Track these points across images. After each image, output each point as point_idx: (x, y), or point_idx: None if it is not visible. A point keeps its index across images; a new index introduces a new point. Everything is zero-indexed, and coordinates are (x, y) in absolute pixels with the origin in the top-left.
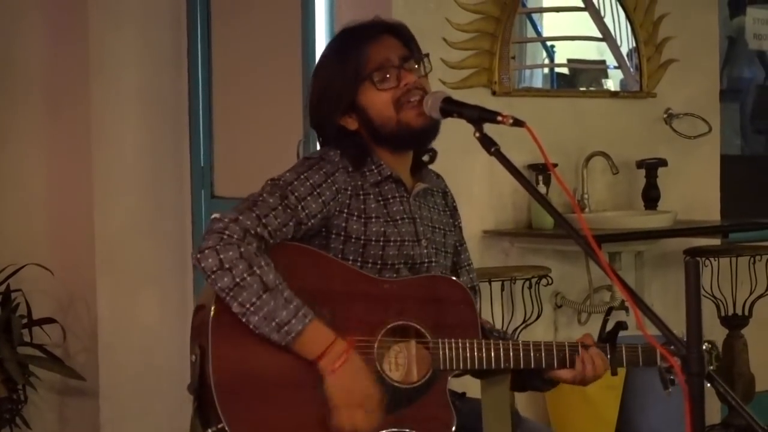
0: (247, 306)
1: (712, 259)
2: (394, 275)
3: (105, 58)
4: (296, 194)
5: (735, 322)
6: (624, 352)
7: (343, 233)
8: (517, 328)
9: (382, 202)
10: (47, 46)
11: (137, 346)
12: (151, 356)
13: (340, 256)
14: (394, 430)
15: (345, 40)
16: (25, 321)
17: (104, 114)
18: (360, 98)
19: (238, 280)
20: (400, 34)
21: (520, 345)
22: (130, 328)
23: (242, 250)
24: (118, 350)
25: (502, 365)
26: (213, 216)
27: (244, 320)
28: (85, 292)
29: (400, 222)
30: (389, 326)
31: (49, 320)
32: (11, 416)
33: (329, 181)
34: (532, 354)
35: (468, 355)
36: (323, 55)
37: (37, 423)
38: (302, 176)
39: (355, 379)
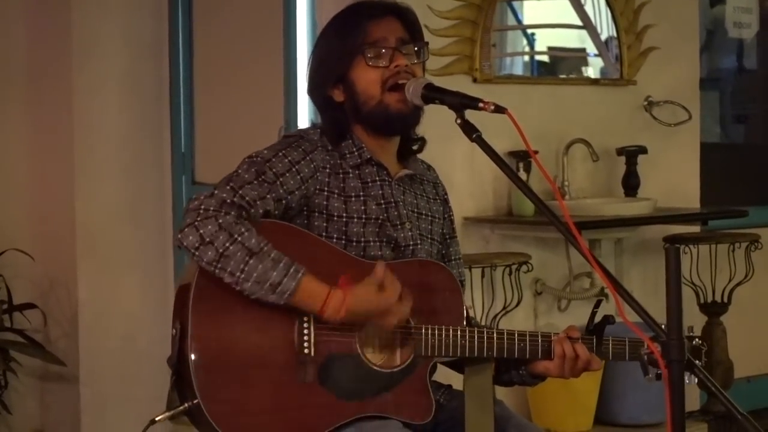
0: (237, 274)
1: (691, 247)
2: (379, 253)
3: (87, 45)
4: (274, 170)
5: (714, 310)
6: (611, 345)
7: (325, 212)
8: (497, 315)
9: (361, 184)
10: (29, 33)
11: (118, 332)
12: (131, 342)
13: (324, 234)
14: (373, 414)
15: (349, 14)
16: (5, 306)
17: (86, 100)
18: (351, 72)
19: (221, 251)
20: (405, 17)
21: (505, 334)
22: (110, 313)
23: (220, 221)
24: (99, 336)
25: (485, 353)
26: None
27: (238, 288)
28: (66, 277)
29: (376, 206)
30: None
31: (30, 305)
32: None
33: (307, 158)
34: (516, 343)
35: (451, 342)
36: (326, 27)
37: (18, 408)
38: (280, 153)
39: (367, 299)
